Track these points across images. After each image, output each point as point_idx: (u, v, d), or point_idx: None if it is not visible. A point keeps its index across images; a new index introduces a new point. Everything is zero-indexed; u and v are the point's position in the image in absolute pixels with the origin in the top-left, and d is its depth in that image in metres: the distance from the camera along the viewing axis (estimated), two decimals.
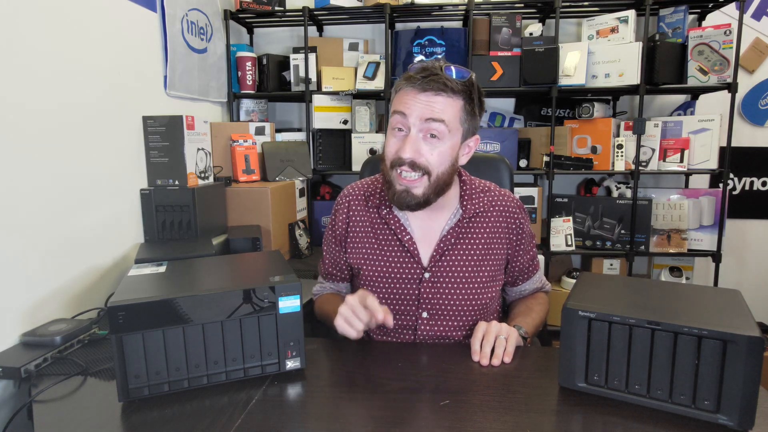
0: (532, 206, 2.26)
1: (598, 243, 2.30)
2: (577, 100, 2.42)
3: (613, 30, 2.22)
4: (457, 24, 2.48)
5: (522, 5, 2.27)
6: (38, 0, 1.19)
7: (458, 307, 1.07)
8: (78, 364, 0.98)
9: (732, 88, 2.10)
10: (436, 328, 1.07)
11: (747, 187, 2.51)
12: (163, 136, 1.60)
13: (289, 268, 0.95)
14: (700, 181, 2.52)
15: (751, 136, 2.47)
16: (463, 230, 1.08)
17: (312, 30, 2.51)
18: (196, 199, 1.59)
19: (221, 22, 2.24)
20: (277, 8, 2.34)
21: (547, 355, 0.97)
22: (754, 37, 2.39)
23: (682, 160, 2.22)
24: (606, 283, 0.92)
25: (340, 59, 2.42)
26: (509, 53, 2.23)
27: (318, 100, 2.34)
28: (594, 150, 2.29)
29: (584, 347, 0.79)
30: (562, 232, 2.28)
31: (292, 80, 2.36)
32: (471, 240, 1.09)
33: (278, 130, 2.38)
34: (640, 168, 2.23)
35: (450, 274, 1.07)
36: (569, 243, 2.28)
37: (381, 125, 2.47)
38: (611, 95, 2.47)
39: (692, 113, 2.37)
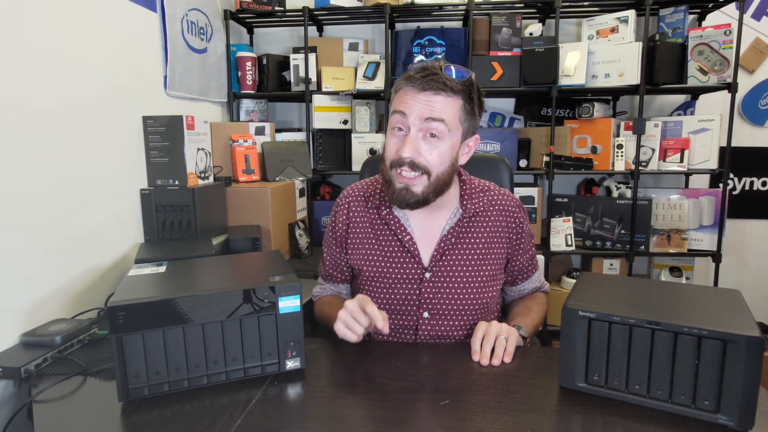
0: (532, 206, 2.26)
1: (598, 243, 2.30)
2: (577, 100, 2.42)
3: (613, 30, 2.22)
4: (457, 24, 2.48)
5: (522, 5, 2.27)
6: (38, 0, 1.19)
7: (459, 307, 1.07)
8: (78, 364, 0.98)
9: (732, 88, 2.10)
10: (437, 328, 1.07)
11: (747, 187, 2.51)
12: (163, 136, 1.60)
13: (289, 268, 0.95)
14: (700, 181, 2.52)
15: (751, 136, 2.47)
16: (464, 230, 1.09)
17: (312, 30, 2.51)
18: (196, 199, 1.59)
19: (221, 22, 2.24)
20: (277, 8, 2.34)
21: (547, 355, 0.97)
22: (754, 37, 2.39)
23: (682, 160, 2.22)
24: (606, 283, 0.92)
25: (340, 59, 2.42)
26: (509, 53, 2.23)
27: (318, 100, 2.34)
28: (594, 150, 2.29)
29: (584, 347, 0.79)
30: (562, 232, 2.28)
31: (292, 80, 2.36)
32: (471, 239, 1.09)
33: (278, 130, 2.38)
34: (640, 168, 2.23)
35: (451, 274, 1.07)
36: (569, 243, 2.28)
37: (381, 125, 2.47)
38: (611, 95, 2.47)
39: (692, 113, 2.37)
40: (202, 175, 1.75)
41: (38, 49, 1.19)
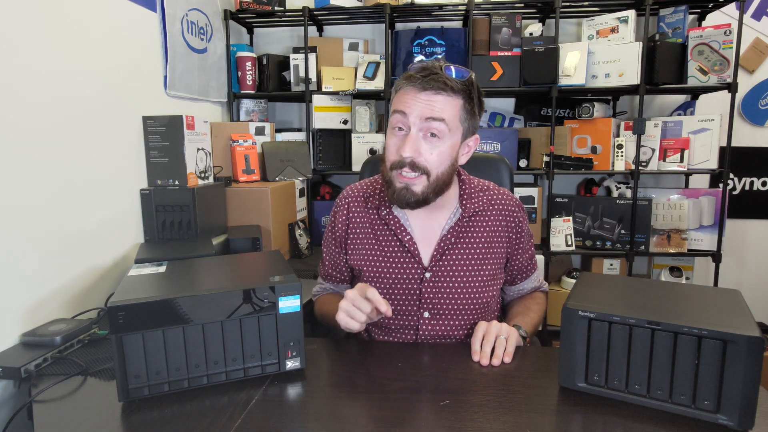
0: (532, 206, 2.26)
1: (598, 243, 2.30)
2: (577, 100, 2.42)
3: (613, 30, 2.22)
4: (457, 24, 2.48)
5: (522, 5, 2.27)
6: (38, 1, 1.19)
7: (460, 307, 1.07)
8: (78, 364, 0.98)
9: (732, 88, 2.10)
10: (437, 328, 1.07)
11: (747, 187, 2.51)
12: (163, 136, 1.60)
13: (289, 268, 0.95)
14: (700, 181, 2.52)
15: (751, 136, 2.47)
16: (463, 229, 1.09)
17: (312, 30, 2.51)
18: (196, 199, 1.59)
19: (221, 22, 2.24)
20: (277, 8, 2.34)
21: (547, 355, 0.97)
22: (754, 37, 2.39)
23: (682, 160, 2.22)
24: (606, 283, 0.92)
25: (340, 59, 2.42)
26: (509, 53, 2.23)
27: (318, 100, 2.34)
28: (594, 150, 2.29)
29: (584, 347, 0.79)
30: (562, 232, 2.28)
31: (292, 80, 2.36)
32: (471, 239, 1.09)
33: (278, 130, 2.38)
34: (640, 168, 2.23)
35: (451, 274, 1.07)
36: (569, 243, 2.28)
37: (381, 125, 2.47)
38: (611, 95, 2.47)
39: (692, 113, 2.37)
40: (202, 175, 1.75)
41: (39, 49, 1.19)
